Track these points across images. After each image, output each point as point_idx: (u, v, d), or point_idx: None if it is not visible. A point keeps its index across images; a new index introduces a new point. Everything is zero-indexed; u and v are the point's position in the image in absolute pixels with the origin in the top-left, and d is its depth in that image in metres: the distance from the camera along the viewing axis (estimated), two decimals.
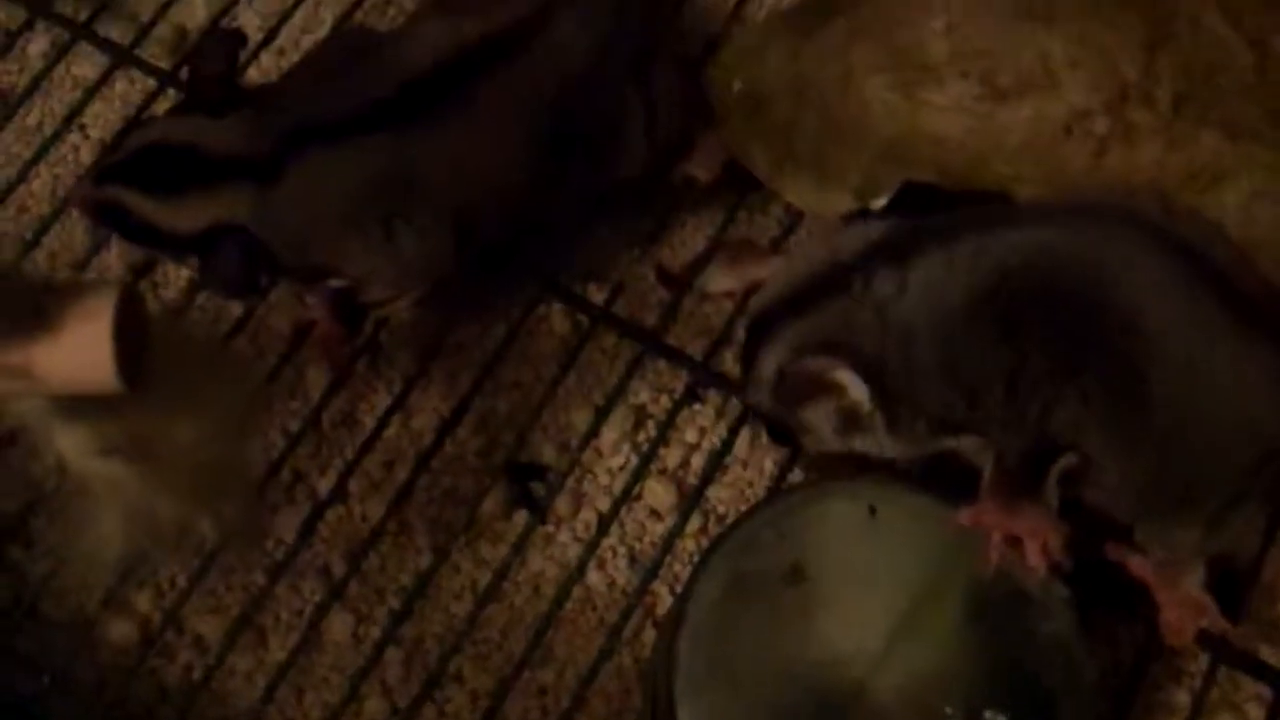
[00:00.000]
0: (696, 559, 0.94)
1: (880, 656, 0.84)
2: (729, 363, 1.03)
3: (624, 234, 1.08)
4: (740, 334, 1.04)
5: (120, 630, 0.96)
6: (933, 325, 0.82)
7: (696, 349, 1.03)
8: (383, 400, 1.03)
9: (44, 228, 1.08)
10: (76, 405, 0.74)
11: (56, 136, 1.12)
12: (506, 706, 0.93)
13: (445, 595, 0.98)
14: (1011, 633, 0.85)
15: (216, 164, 0.89)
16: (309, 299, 1.01)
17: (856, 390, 0.83)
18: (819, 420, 0.86)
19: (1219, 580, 0.88)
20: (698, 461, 1.01)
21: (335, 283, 0.96)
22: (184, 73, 1.06)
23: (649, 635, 0.96)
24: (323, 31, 1.17)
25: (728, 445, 1.00)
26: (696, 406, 1.02)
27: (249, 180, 0.89)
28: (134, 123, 1.10)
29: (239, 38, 0.94)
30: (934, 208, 0.87)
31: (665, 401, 1.03)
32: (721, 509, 1.00)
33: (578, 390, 1.03)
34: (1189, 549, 0.87)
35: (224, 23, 1.16)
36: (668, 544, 0.97)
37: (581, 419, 1.02)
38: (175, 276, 1.08)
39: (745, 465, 1.01)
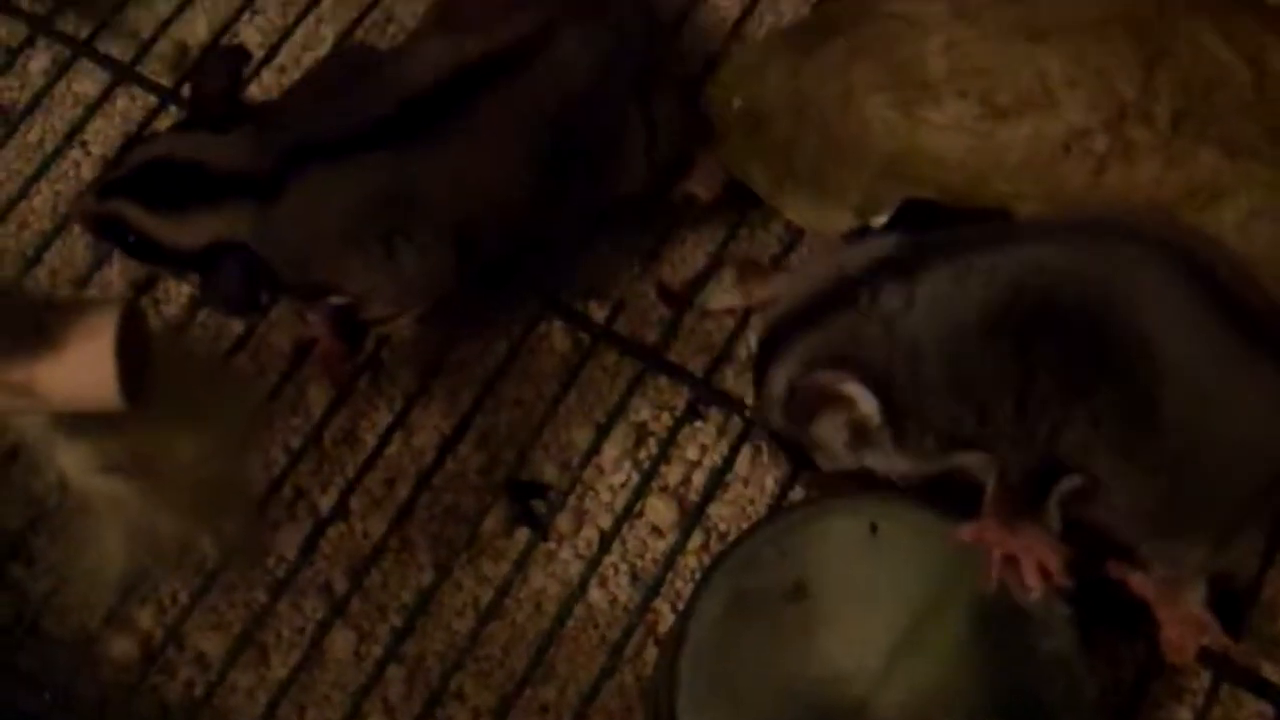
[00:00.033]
0: (698, 576, 0.94)
1: (882, 674, 0.84)
2: (730, 380, 1.03)
3: (624, 251, 1.08)
4: (741, 351, 1.04)
5: (122, 647, 0.96)
6: (941, 340, 0.82)
7: (697, 366, 1.03)
8: (384, 418, 1.03)
9: (45, 244, 1.08)
10: (78, 422, 0.73)
11: (57, 153, 1.12)
12: None
13: (447, 612, 0.98)
14: (1013, 650, 0.85)
15: (218, 181, 0.89)
16: (310, 316, 1.01)
17: (866, 403, 0.83)
18: (830, 436, 0.86)
19: (1219, 598, 0.88)
20: (699, 479, 1.01)
21: (336, 300, 0.96)
22: (186, 89, 1.07)
23: (651, 653, 0.96)
24: (324, 49, 1.17)
25: (729, 462, 1.00)
26: (698, 424, 1.03)
27: (250, 197, 0.89)
28: (135, 139, 1.10)
29: (242, 54, 0.94)
30: (935, 225, 0.87)
31: (666, 419, 1.03)
32: (723, 526, 1.00)
33: (579, 408, 1.03)
34: (1194, 567, 0.87)
35: (225, 40, 1.16)
36: (669, 561, 0.97)
37: (583, 436, 1.02)
38: (177, 293, 1.08)
39: (746, 483, 1.01)
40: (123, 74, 1.14)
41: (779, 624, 0.86)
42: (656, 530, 1.00)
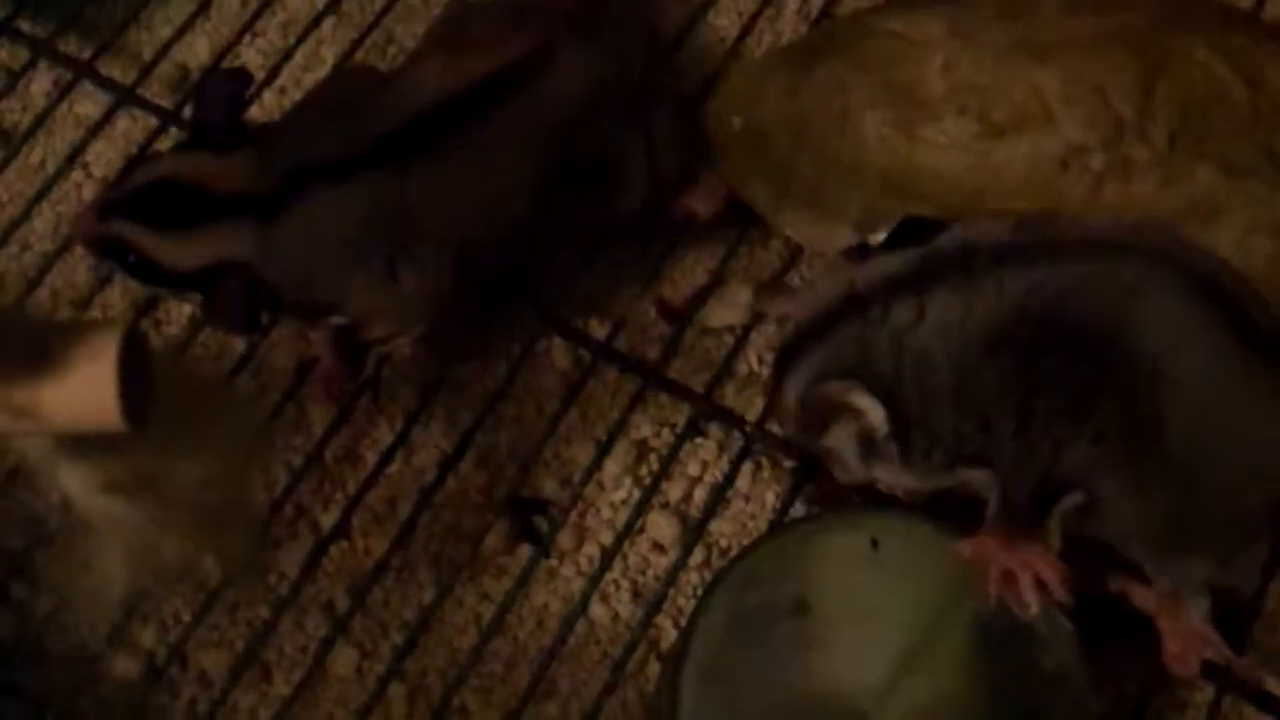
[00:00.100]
0: (700, 592, 0.94)
1: (883, 689, 0.84)
2: (731, 396, 1.04)
3: (625, 269, 1.08)
4: (742, 368, 1.05)
5: (124, 666, 0.96)
6: (948, 354, 0.83)
7: (698, 383, 1.03)
8: (385, 436, 1.03)
9: (47, 265, 1.08)
10: (80, 443, 0.74)
11: (59, 175, 1.13)
12: None
13: (449, 629, 0.98)
14: (1015, 665, 0.85)
15: (220, 201, 0.89)
16: (311, 336, 1.01)
17: (873, 413, 0.83)
18: (842, 446, 0.86)
19: (1221, 611, 0.88)
20: (700, 495, 1.01)
21: (337, 320, 0.97)
22: (187, 111, 1.07)
23: (653, 669, 0.96)
24: (324, 70, 1.18)
25: (730, 479, 1.00)
26: (698, 440, 1.03)
27: (252, 218, 0.89)
28: (136, 160, 1.10)
29: (245, 77, 0.94)
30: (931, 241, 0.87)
31: (667, 435, 1.03)
32: (724, 542, 1.00)
33: (579, 425, 1.03)
34: (1198, 583, 0.87)
35: (226, 62, 1.17)
36: (671, 577, 0.97)
37: (583, 453, 1.02)
38: (178, 314, 1.08)
39: (748, 499, 1.01)
40: (124, 96, 1.15)
41: (780, 640, 0.86)
42: (658, 546, 1.00)
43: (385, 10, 1.18)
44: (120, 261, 0.90)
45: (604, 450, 1.01)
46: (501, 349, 1.06)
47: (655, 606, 0.97)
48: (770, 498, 1.01)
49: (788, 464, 1.00)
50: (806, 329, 0.87)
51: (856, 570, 0.87)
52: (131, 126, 1.16)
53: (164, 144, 1.11)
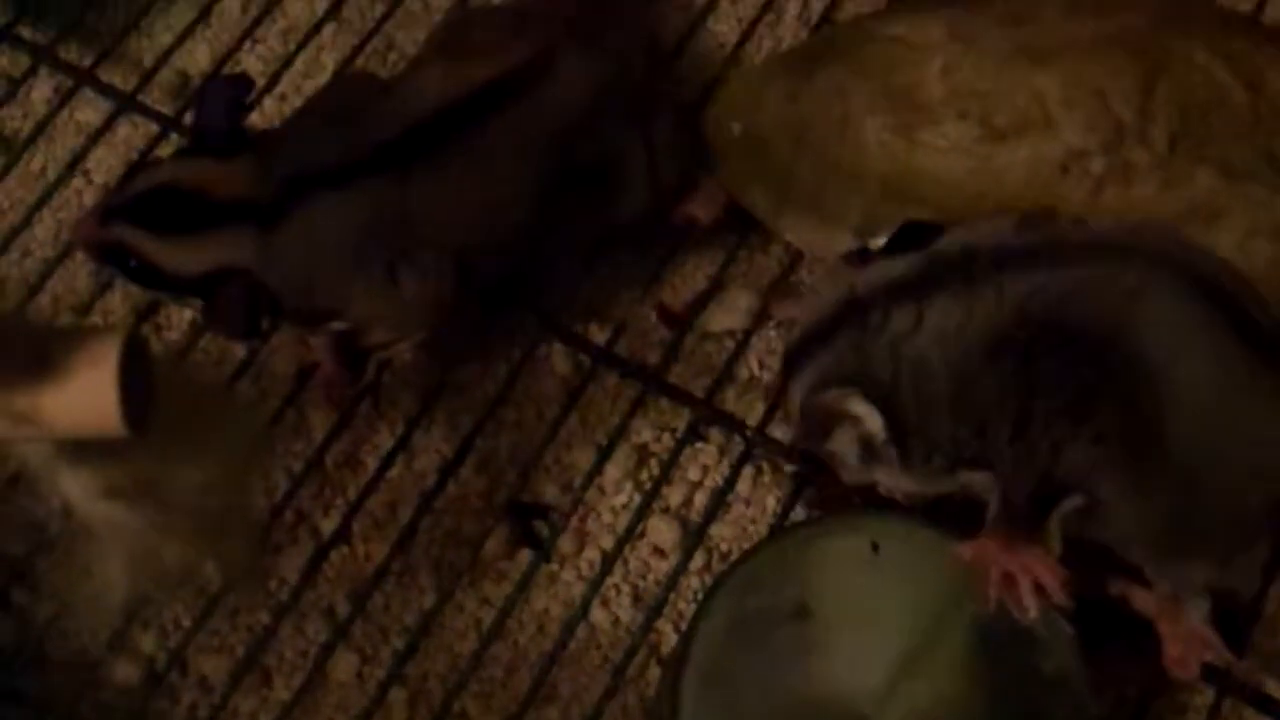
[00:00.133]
0: (700, 597, 0.94)
1: (884, 693, 0.84)
2: (731, 401, 1.04)
3: (625, 274, 1.08)
4: (742, 373, 1.05)
5: (125, 671, 0.96)
6: (946, 359, 0.83)
7: (698, 387, 1.03)
8: (385, 441, 1.03)
9: (48, 272, 1.08)
10: (81, 448, 0.74)
11: (60, 182, 1.13)
12: None
13: (449, 634, 0.98)
14: (1015, 668, 0.85)
15: (221, 207, 0.89)
16: (312, 341, 1.01)
17: (871, 421, 0.84)
18: (845, 451, 0.87)
19: (1221, 614, 0.88)
20: (701, 499, 1.01)
21: (338, 326, 0.97)
22: (188, 117, 1.07)
23: (653, 673, 0.96)
24: (324, 77, 1.18)
25: (730, 483, 1.00)
26: (699, 445, 1.03)
27: (252, 223, 0.90)
28: (137, 167, 1.10)
29: (246, 82, 0.94)
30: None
31: (668, 440, 1.03)
32: (725, 546, 1.00)
33: (580, 429, 1.03)
34: (1198, 586, 0.87)
35: (227, 68, 1.17)
36: (672, 582, 0.97)
37: (584, 458, 1.02)
38: (179, 319, 1.08)
39: (748, 503, 1.01)
40: (125, 103, 1.15)
41: (781, 644, 0.86)
42: (658, 551, 1.00)
43: (386, 16, 1.18)
44: (121, 267, 0.90)
45: (604, 455, 1.01)
46: (502, 354, 1.06)
47: (656, 611, 0.96)
48: (771, 502, 1.01)
49: (788, 468, 1.00)
50: (811, 333, 0.87)
51: (857, 574, 0.87)
52: (132, 133, 1.16)
53: (165, 150, 1.11)
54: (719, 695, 0.85)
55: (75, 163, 1.14)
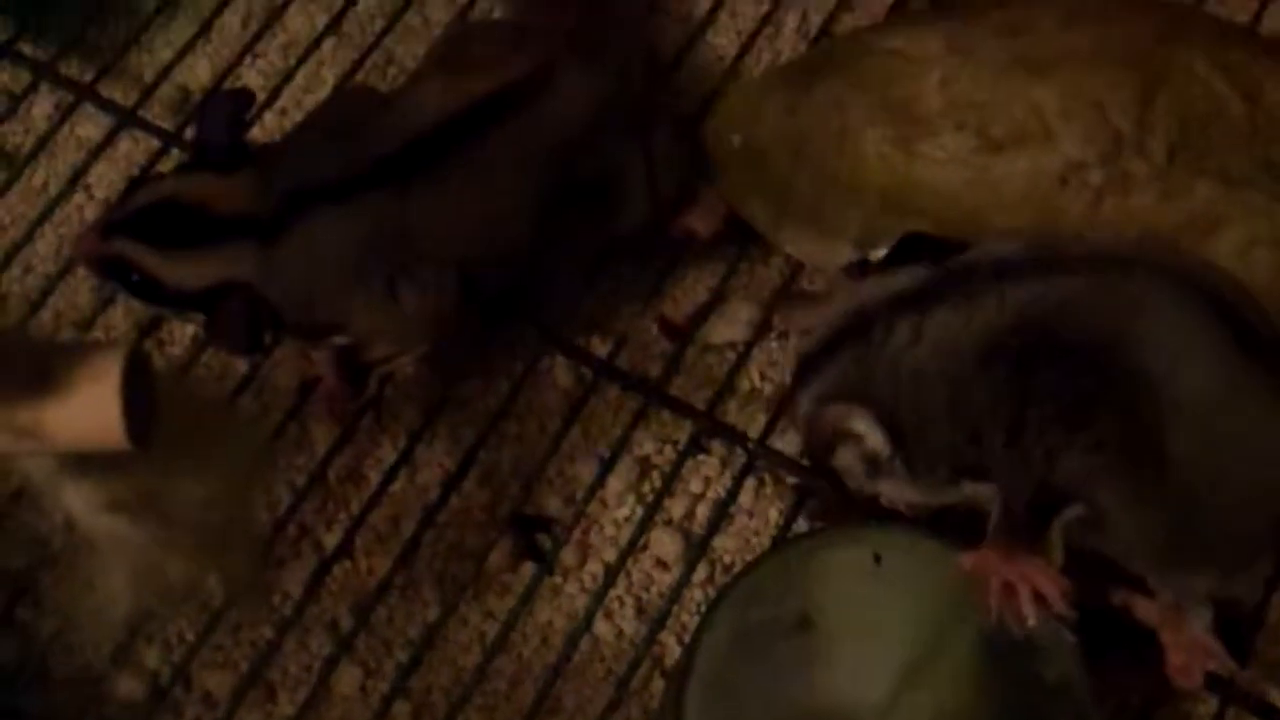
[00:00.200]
0: (703, 609, 0.95)
1: (886, 704, 0.84)
2: (733, 413, 1.04)
3: (626, 287, 1.08)
4: (744, 385, 1.05)
5: (128, 686, 0.96)
6: (942, 370, 0.83)
7: (700, 400, 1.03)
8: (388, 455, 1.03)
9: (50, 287, 1.08)
10: (83, 463, 0.74)
11: (61, 197, 1.13)
12: None
13: (453, 648, 0.98)
14: (1018, 679, 0.85)
15: (222, 222, 0.90)
16: (314, 355, 1.01)
17: (873, 438, 0.84)
18: (850, 465, 0.87)
19: (1224, 623, 0.88)
20: (703, 511, 1.01)
21: (339, 340, 0.97)
22: (189, 132, 1.08)
23: (657, 685, 0.96)
24: (325, 91, 1.18)
25: (733, 495, 1.00)
26: (701, 457, 1.03)
27: (254, 238, 0.90)
28: (138, 182, 1.11)
29: (247, 97, 0.95)
30: (935, 257, 0.87)
31: (670, 452, 1.03)
32: (728, 558, 1.00)
33: (582, 442, 1.04)
34: (1200, 595, 0.87)
35: (227, 83, 1.17)
36: (675, 594, 0.97)
37: (586, 471, 1.02)
38: (181, 334, 1.08)
39: (751, 515, 1.01)
40: (125, 118, 1.15)
41: (784, 655, 0.86)
42: (661, 563, 1.00)
43: (385, 31, 1.19)
44: (123, 281, 0.90)
45: (607, 467, 1.01)
46: (504, 367, 1.06)
47: (659, 623, 0.97)
48: (773, 514, 1.01)
49: (790, 480, 1.01)
50: (819, 345, 0.88)
51: (859, 585, 0.87)
52: (133, 148, 1.17)
53: (166, 165, 1.11)
54: (722, 707, 0.85)
55: (76, 178, 1.14)
